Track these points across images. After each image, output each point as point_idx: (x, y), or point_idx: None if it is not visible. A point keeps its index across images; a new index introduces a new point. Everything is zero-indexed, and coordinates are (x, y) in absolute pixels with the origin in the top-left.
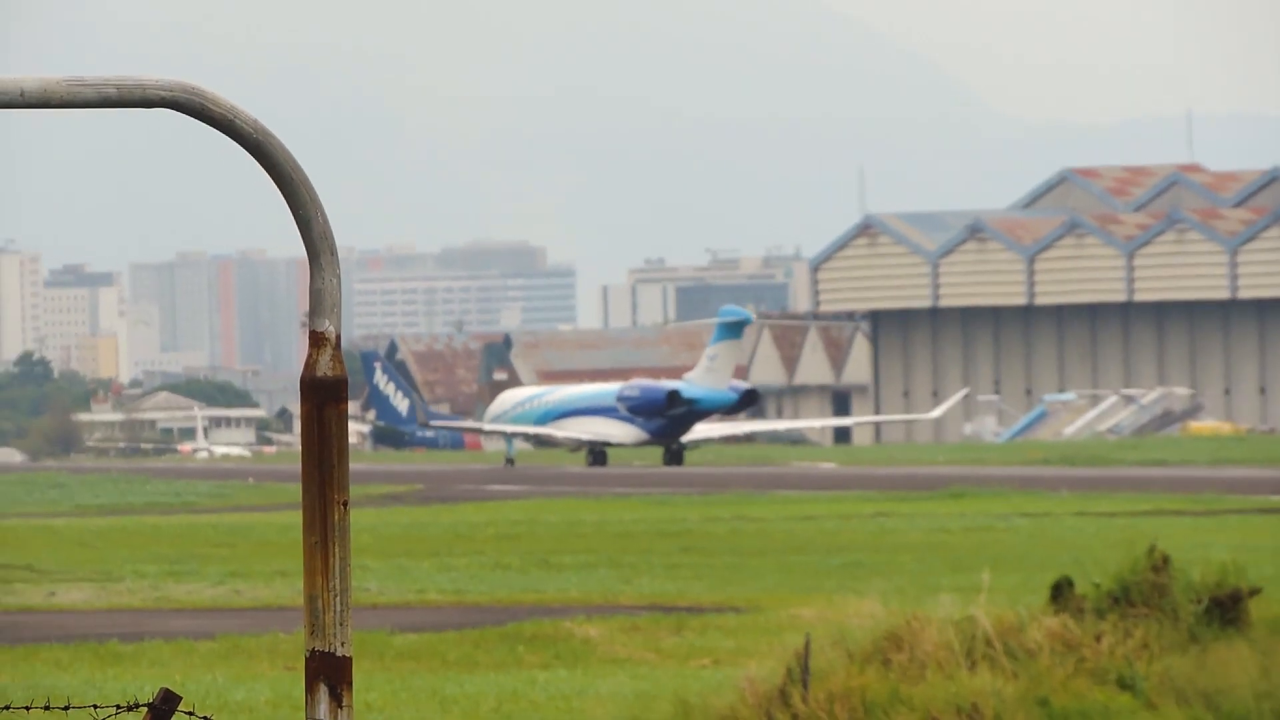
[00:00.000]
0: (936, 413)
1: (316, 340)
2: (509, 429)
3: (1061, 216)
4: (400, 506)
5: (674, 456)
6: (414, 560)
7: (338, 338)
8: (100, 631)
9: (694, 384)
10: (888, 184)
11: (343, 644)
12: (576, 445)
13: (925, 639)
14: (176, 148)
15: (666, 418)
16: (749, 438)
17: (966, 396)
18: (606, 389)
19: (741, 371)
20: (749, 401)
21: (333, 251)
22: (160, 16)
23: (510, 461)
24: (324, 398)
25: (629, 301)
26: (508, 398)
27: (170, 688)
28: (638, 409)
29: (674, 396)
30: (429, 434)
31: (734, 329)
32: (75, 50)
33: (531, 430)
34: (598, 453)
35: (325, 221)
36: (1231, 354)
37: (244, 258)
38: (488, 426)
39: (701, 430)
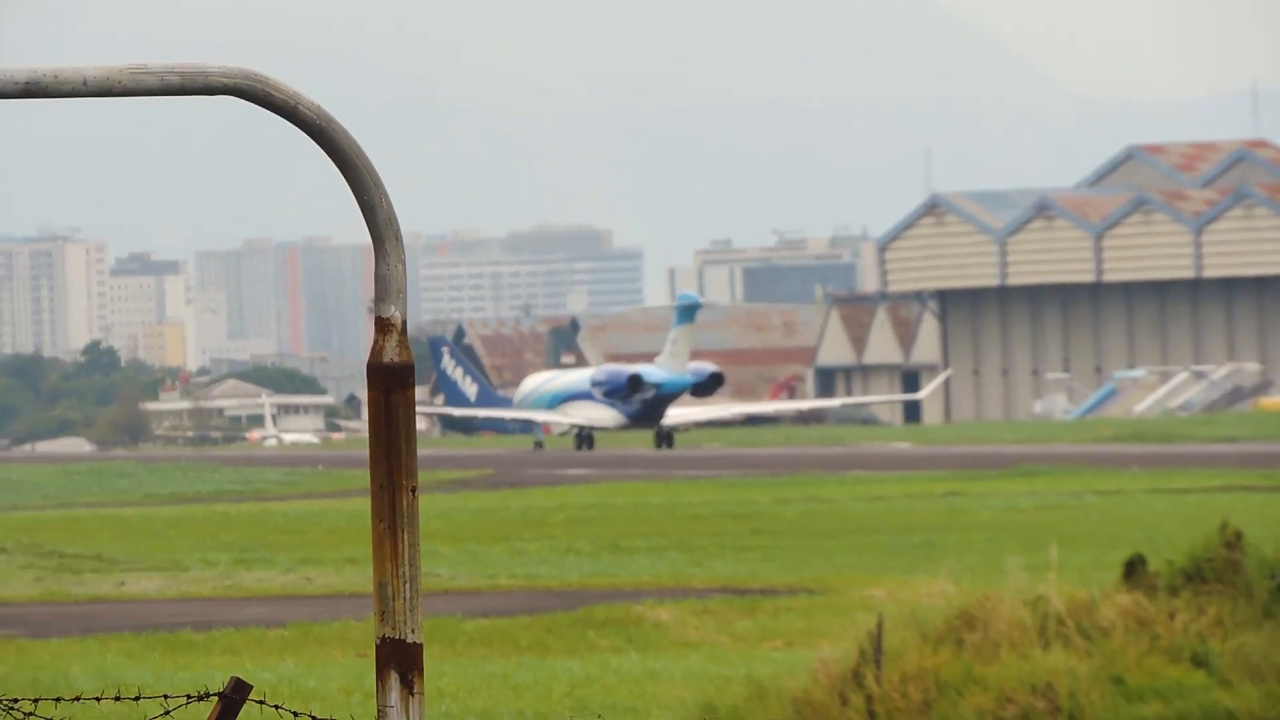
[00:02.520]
0: (924, 393)
1: (382, 326)
2: (509, 414)
3: (1129, 194)
4: (471, 492)
5: (664, 439)
6: (485, 545)
7: (403, 323)
8: (170, 621)
9: (656, 369)
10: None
11: (413, 631)
12: (568, 429)
13: (998, 618)
14: (242, 135)
15: (641, 402)
16: (744, 421)
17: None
18: (590, 374)
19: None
20: (715, 384)
21: (397, 237)
22: (219, 5)
23: (539, 445)
24: (391, 383)
25: (696, 283)
26: (527, 383)
27: (241, 677)
28: (609, 393)
29: (635, 381)
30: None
31: (688, 313)
32: (135, 39)
33: (523, 415)
34: (584, 436)
35: (389, 207)
36: None
37: (310, 244)
38: (482, 413)
39: (690, 414)
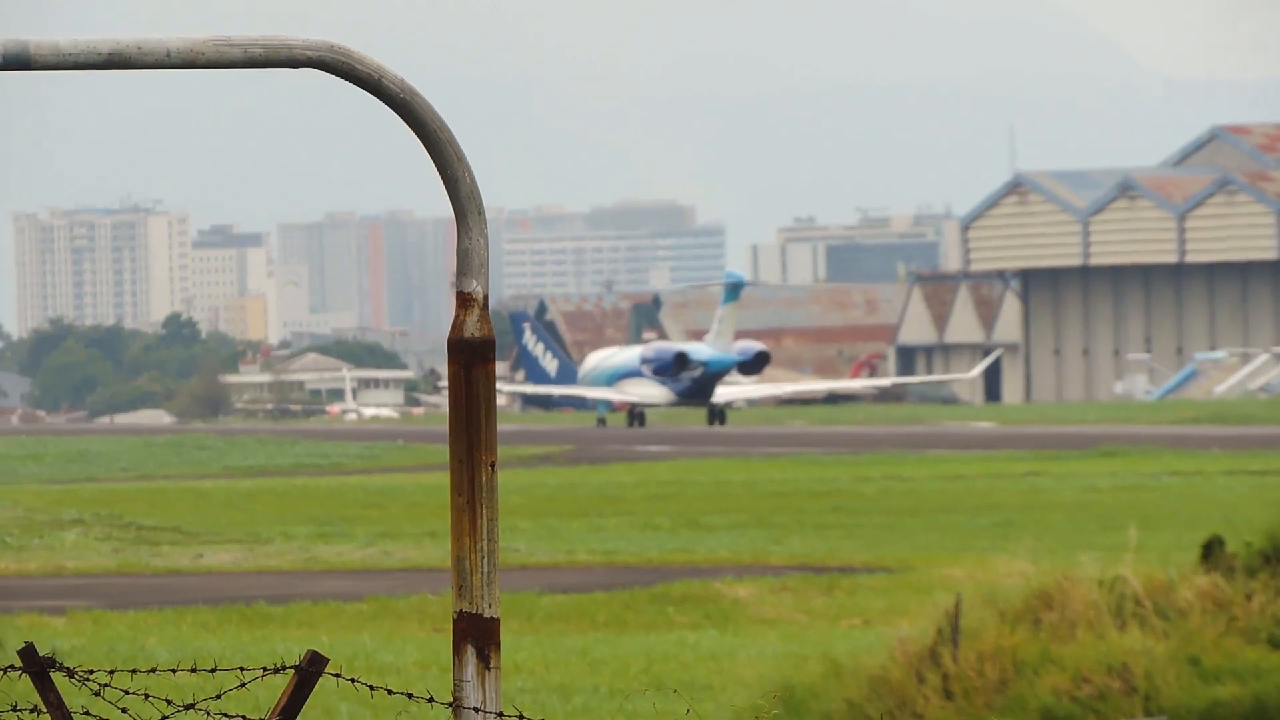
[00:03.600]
0: (974, 373)
1: (464, 300)
2: (571, 390)
3: (1212, 174)
4: (550, 467)
5: (717, 416)
6: (564, 521)
7: (485, 298)
8: (248, 593)
9: (704, 346)
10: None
11: (490, 605)
12: (621, 406)
13: (1075, 598)
14: (325, 108)
15: (691, 380)
16: (791, 399)
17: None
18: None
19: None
20: (762, 362)
21: (480, 211)
22: None
23: (602, 421)
24: (471, 358)
25: (779, 260)
26: (589, 361)
27: (318, 650)
28: (658, 371)
29: (682, 358)
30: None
31: (734, 291)
32: (218, 13)
33: (582, 392)
34: (636, 413)
35: (472, 181)
36: None
37: (392, 218)
38: (543, 390)
39: (741, 391)
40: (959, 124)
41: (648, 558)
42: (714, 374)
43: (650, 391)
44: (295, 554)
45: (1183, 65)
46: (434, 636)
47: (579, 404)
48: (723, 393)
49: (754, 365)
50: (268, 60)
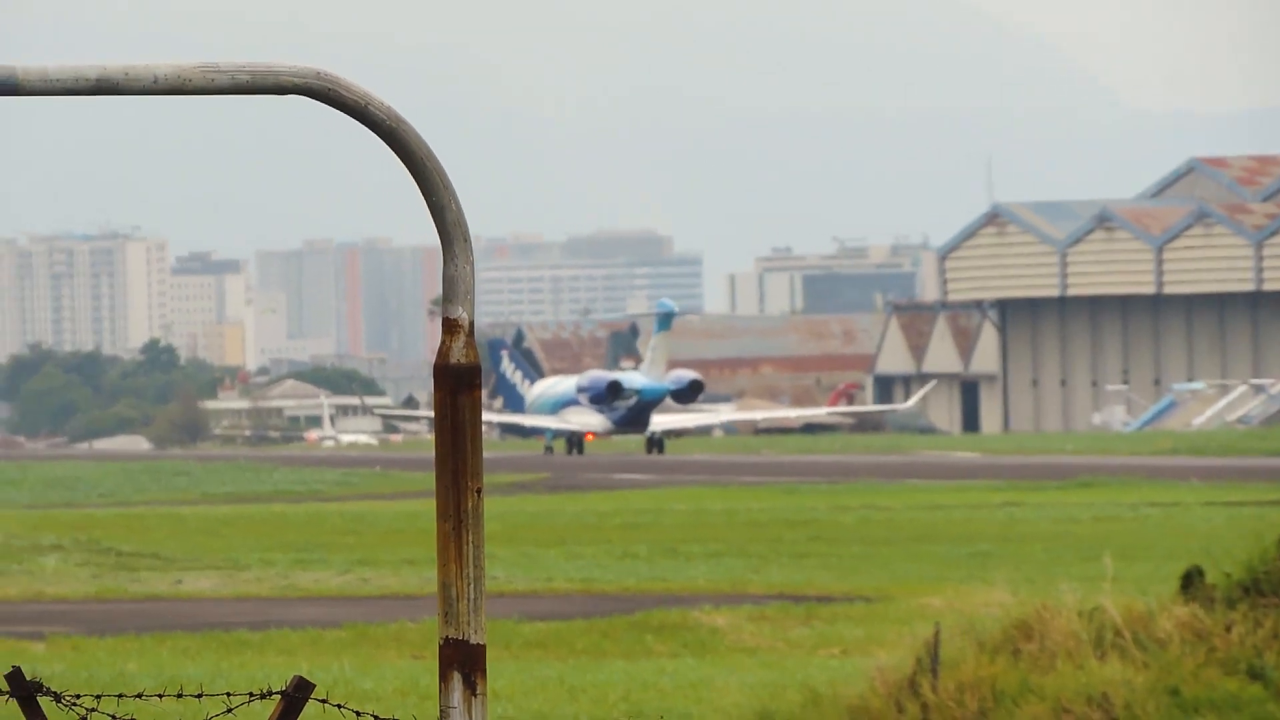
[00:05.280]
0: (910, 403)
1: (450, 327)
2: (518, 420)
3: (1190, 206)
4: (528, 495)
5: (655, 445)
6: (542, 549)
7: (471, 325)
8: (227, 620)
9: (637, 375)
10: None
11: (476, 632)
12: (557, 434)
13: (1055, 628)
14: (303, 136)
15: (626, 408)
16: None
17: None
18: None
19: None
20: (696, 391)
21: (466, 238)
22: (285, 13)
23: (549, 449)
24: (458, 385)
25: (756, 290)
26: (534, 390)
27: (303, 676)
28: (592, 399)
29: (615, 387)
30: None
31: (665, 320)
32: (197, 43)
33: (529, 421)
34: (574, 440)
35: (459, 208)
36: None
37: (370, 246)
38: (497, 418)
39: (677, 420)
40: (936, 155)
41: (626, 586)
42: (648, 403)
43: (589, 420)
44: (274, 580)
45: (1161, 98)
46: (413, 663)
47: (527, 432)
48: (658, 421)
49: (688, 394)
50: (254, 87)
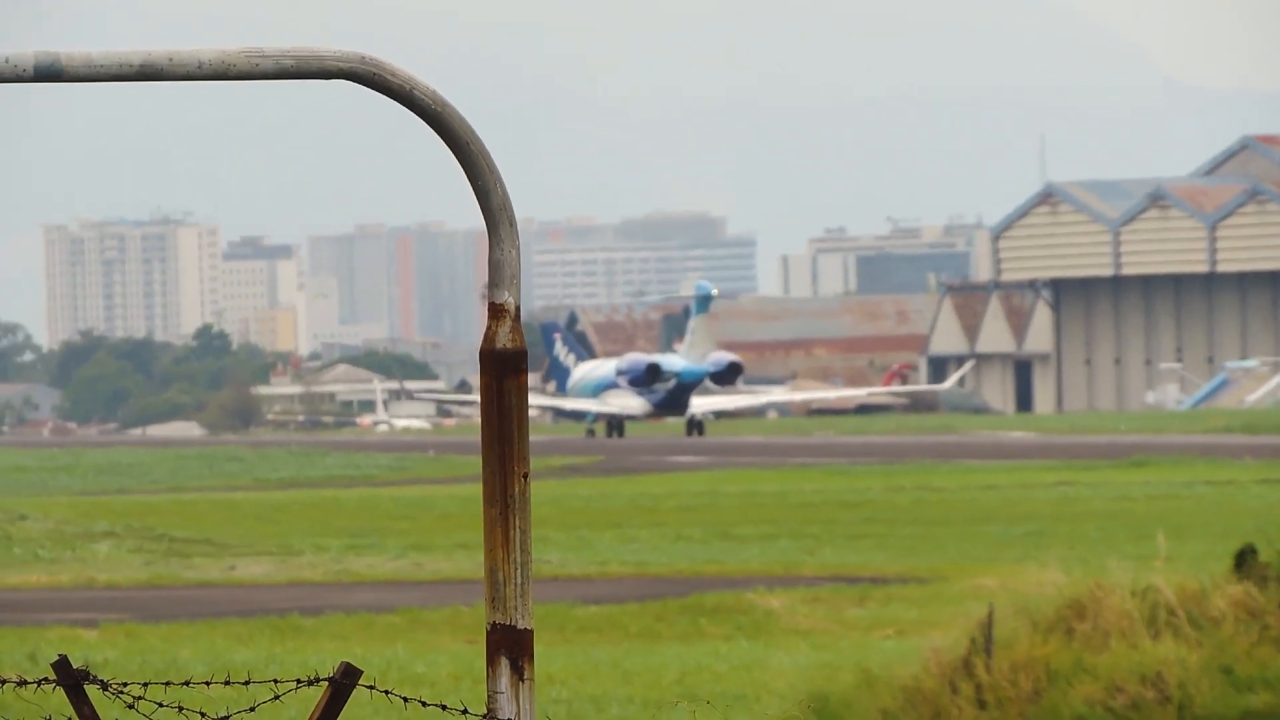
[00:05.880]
0: (948, 383)
1: (496, 312)
2: (562, 404)
3: (1243, 184)
4: (582, 478)
5: (695, 427)
6: (595, 532)
7: (517, 309)
8: (280, 605)
9: (676, 358)
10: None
11: (524, 616)
12: (597, 417)
13: (1108, 608)
14: (355, 119)
15: (665, 391)
16: (761, 410)
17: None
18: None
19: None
20: (734, 373)
21: (511, 223)
22: None
23: (590, 432)
24: (503, 369)
25: (809, 271)
26: (576, 373)
27: (350, 662)
28: (632, 382)
29: (654, 369)
30: None
31: (703, 303)
32: (247, 24)
33: (571, 404)
34: (615, 424)
35: (504, 192)
36: None
37: (423, 230)
38: (546, 401)
39: (717, 402)
40: (989, 134)
41: (679, 568)
42: (686, 385)
43: (629, 403)
44: (327, 566)
45: (1214, 75)
46: (467, 648)
47: (574, 415)
48: (705, 402)
49: (726, 376)
50: (299, 71)
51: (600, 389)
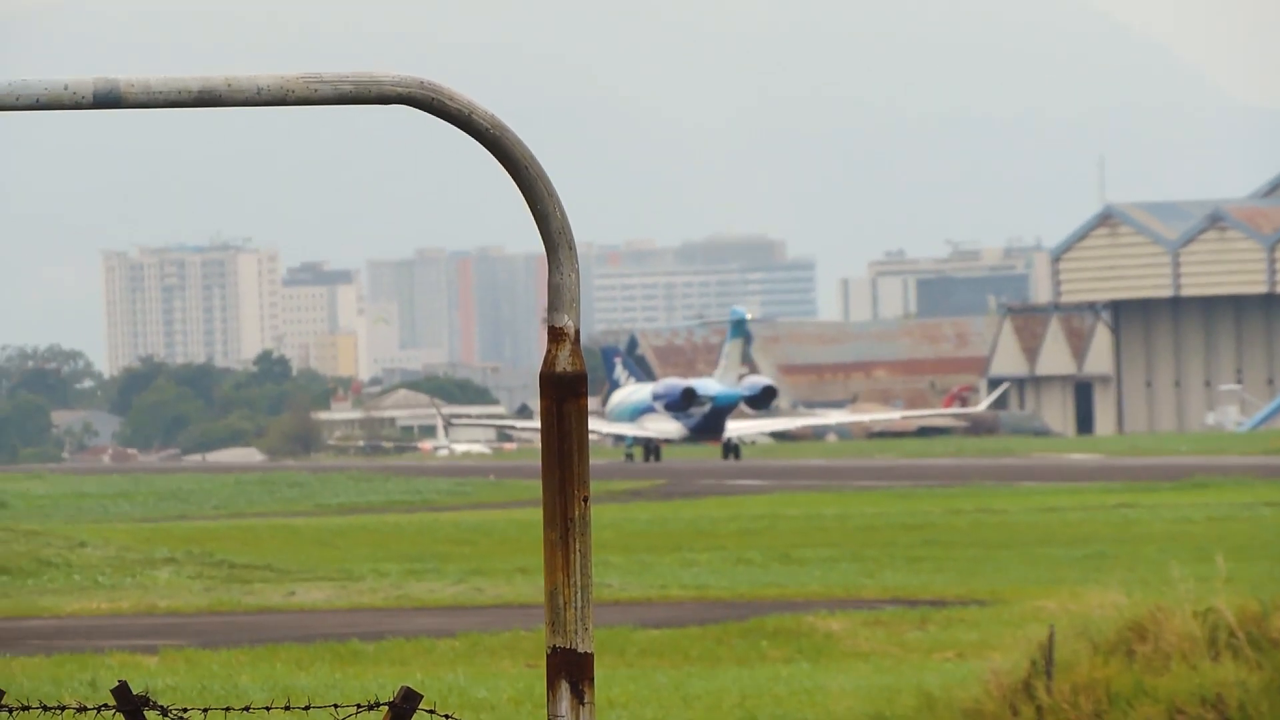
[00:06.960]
0: (982, 406)
1: (555, 335)
2: (602, 428)
3: None
4: (642, 502)
5: (731, 451)
6: (656, 556)
7: (577, 333)
8: (340, 631)
9: (711, 382)
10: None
11: (584, 640)
12: (635, 441)
13: (1169, 630)
14: (415, 144)
15: (701, 415)
16: (799, 434)
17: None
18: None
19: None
20: (769, 397)
21: (571, 246)
22: (397, 22)
23: (629, 457)
24: (563, 393)
25: (869, 294)
26: (615, 398)
27: (411, 686)
28: (668, 406)
29: (689, 394)
30: None
31: (738, 328)
32: (305, 52)
33: (610, 429)
34: (651, 448)
35: (563, 216)
36: None
37: (483, 254)
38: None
39: (748, 426)
40: (1048, 156)
41: (740, 592)
42: (721, 409)
43: (666, 427)
44: (387, 591)
45: (1272, 96)
46: (527, 672)
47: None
48: (733, 427)
49: (761, 400)
50: (357, 97)
51: (637, 413)
